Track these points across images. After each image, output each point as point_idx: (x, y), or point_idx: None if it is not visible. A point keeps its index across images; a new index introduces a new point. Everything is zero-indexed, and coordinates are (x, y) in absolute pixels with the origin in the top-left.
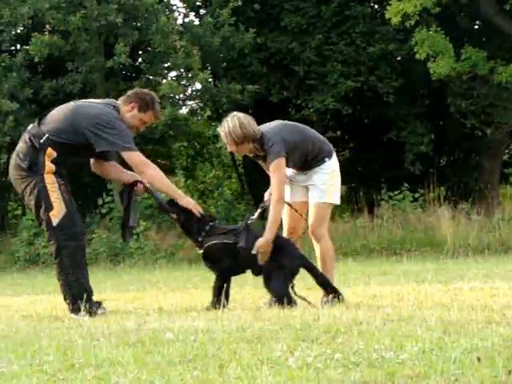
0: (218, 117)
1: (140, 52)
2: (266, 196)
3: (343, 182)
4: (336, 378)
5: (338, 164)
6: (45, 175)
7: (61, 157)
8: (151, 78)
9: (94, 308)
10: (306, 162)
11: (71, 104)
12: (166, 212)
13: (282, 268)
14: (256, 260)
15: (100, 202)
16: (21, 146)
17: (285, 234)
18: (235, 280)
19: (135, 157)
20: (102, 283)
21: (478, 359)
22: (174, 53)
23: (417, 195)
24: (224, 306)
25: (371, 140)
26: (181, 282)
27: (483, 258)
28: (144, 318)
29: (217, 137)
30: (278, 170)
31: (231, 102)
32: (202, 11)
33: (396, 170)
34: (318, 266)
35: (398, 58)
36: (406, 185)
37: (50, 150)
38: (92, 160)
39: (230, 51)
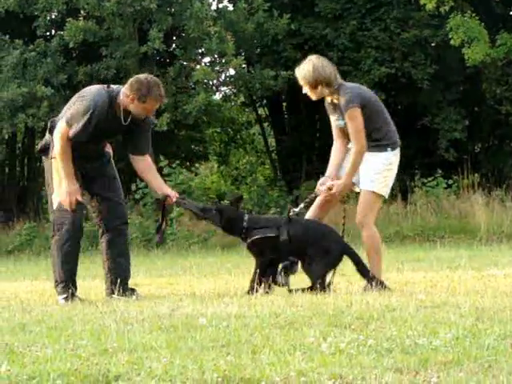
0: (252, 103)
1: (174, 38)
2: (319, 185)
3: None
4: (369, 364)
5: (398, 159)
6: (53, 159)
7: (74, 141)
8: (185, 63)
9: (127, 293)
10: (368, 137)
11: (84, 89)
12: (203, 219)
13: (325, 254)
14: (299, 249)
15: (133, 187)
16: (46, 135)
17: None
18: None
19: (59, 129)
20: (136, 268)
21: None
22: (207, 38)
23: (450, 182)
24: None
25: (405, 126)
26: (214, 268)
27: None
28: (177, 303)
29: (250, 123)
30: (353, 119)
31: (265, 87)
32: None
33: (430, 156)
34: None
35: (433, 44)
36: (440, 171)
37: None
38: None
39: (263, 37)
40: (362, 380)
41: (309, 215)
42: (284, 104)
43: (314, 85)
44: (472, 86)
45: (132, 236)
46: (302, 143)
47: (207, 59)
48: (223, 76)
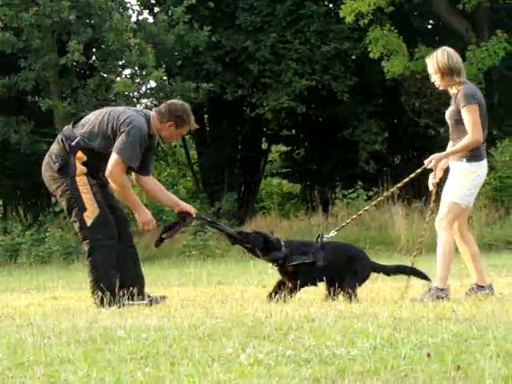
0: None
1: (94, 50)
2: (431, 179)
3: (298, 181)
4: (287, 375)
5: (480, 171)
6: (76, 177)
7: (91, 159)
8: (105, 75)
9: (146, 300)
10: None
11: (105, 109)
12: (240, 244)
13: (355, 274)
14: (331, 272)
15: (53, 200)
16: (54, 146)
17: None
18: (189, 277)
19: (116, 164)
20: (55, 281)
21: (428, 355)
22: (127, 50)
23: (371, 193)
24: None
25: (326, 138)
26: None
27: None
28: (96, 316)
29: None
30: (472, 113)
31: (186, 100)
32: (156, 9)
33: (350, 168)
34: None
35: (353, 57)
36: (360, 183)
37: (80, 153)
38: (134, 173)
39: (184, 49)
40: None
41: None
42: (205, 116)
43: (446, 73)
44: (391, 98)
45: (52, 249)
46: (224, 155)
47: (127, 71)
48: (144, 88)
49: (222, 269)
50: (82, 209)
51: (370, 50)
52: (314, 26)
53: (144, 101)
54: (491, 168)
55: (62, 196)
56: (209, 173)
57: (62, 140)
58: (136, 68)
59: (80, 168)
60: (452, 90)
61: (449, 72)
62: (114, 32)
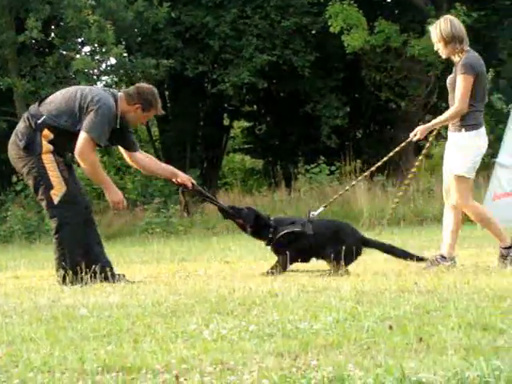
0: None
1: (52, 27)
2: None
3: (260, 157)
4: (250, 349)
5: (479, 139)
6: (42, 155)
7: (58, 138)
8: (64, 53)
9: (116, 279)
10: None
11: (73, 88)
12: (231, 218)
13: (347, 247)
14: (322, 247)
15: (14, 179)
16: (20, 125)
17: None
18: (152, 255)
19: (86, 143)
20: (17, 260)
21: (390, 327)
22: (86, 27)
23: (333, 168)
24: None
25: (287, 114)
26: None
27: (399, 229)
28: (58, 294)
29: None
30: (464, 83)
31: (146, 76)
32: None
33: (312, 143)
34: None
35: (313, 32)
36: (323, 158)
37: (46, 131)
38: (124, 153)
39: (143, 26)
40: (244, 365)
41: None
42: (166, 93)
43: (449, 41)
44: (352, 73)
45: (14, 228)
46: (186, 132)
47: (87, 48)
48: (104, 65)
49: (185, 246)
50: (49, 187)
51: (330, 24)
52: (274, 0)
53: (104, 78)
54: None
55: (29, 174)
56: (171, 149)
57: (27, 118)
58: (95, 45)
59: (46, 146)
60: (455, 58)
61: (451, 40)
62: (72, 9)
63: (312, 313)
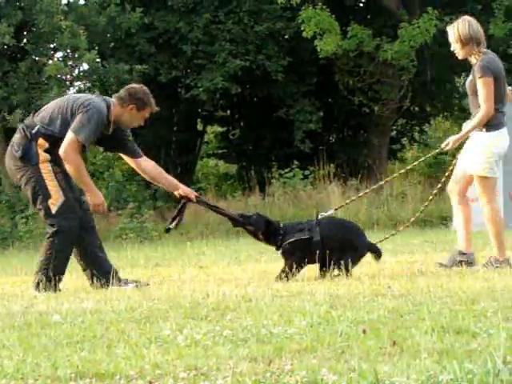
0: None
1: (25, 32)
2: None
3: (234, 161)
4: (224, 355)
5: (499, 139)
6: (40, 165)
7: (53, 147)
8: (37, 58)
9: (122, 284)
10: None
11: (65, 97)
12: (242, 226)
13: (354, 250)
14: (329, 251)
15: None
16: (16, 136)
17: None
18: (126, 260)
19: (71, 143)
20: None
21: (364, 331)
22: (59, 33)
23: (307, 173)
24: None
25: (261, 119)
26: (72, 264)
27: (373, 232)
28: (31, 300)
29: None
30: (485, 86)
31: (119, 82)
32: None
33: (286, 148)
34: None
35: (286, 37)
36: (297, 162)
37: (41, 140)
38: (130, 162)
39: (116, 31)
40: (217, 370)
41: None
42: None
43: (466, 42)
44: (325, 77)
45: None
46: (159, 137)
47: (60, 54)
48: (77, 71)
49: (159, 251)
50: (47, 196)
51: (302, 29)
52: (247, 5)
53: (77, 83)
54: (425, 145)
55: (27, 184)
56: (145, 155)
57: (23, 129)
58: (68, 51)
59: (43, 155)
60: (472, 60)
61: (469, 41)
62: (44, 14)
63: (286, 317)
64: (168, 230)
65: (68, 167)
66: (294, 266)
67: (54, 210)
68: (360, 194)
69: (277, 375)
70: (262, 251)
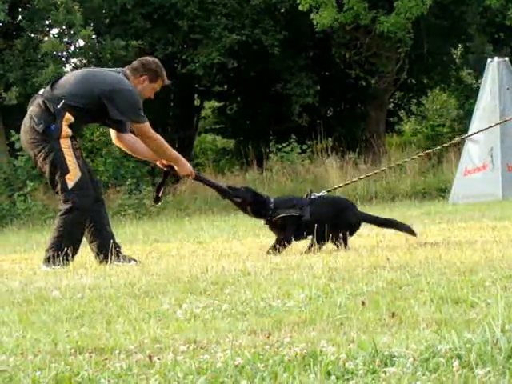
0: None
1: (20, 9)
2: None
3: (231, 136)
4: (224, 328)
5: None
6: (61, 140)
7: (77, 121)
8: (32, 35)
9: (122, 261)
10: None
11: (85, 70)
12: (229, 197)
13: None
14: (319, 228)
15: None
16: (34, 109)
17: None
18: (125, 236)
19: (142, 127)
20: None
21: (363, 303)
22: (54, 9)
23: (305, 147)
24: None
25: (258, 93)
26: None
27: (371, 206)
28: (30, 277)
29: None
30: None
31: (115, 58)
32: None
33: (284, 122)
34: None
35: (282, 10)
36: (294, 137)
37: (67, 115)
38: (112, 133)
39: (112, 7)
40: (217, 343)
41: None
42: None
43: None
44: (322, 51)
45: None
46: (156, 113)
47: (55, 31)
48: (72, 47)
49: (157, 227)
50: (65, 171)
51: (298, 2)
52: None
53: (73, 60)
54: (423, 117)
55: (46, 159)
56: None
57: (44, 103)
58: (63, 27)
59: (66, 131)
60: None
61: None
62: None
63: (285, 290)
64: (157, 201)
65: (155, 149)
66: (285, 241)
67: (70, 185)
68: (361, 177)
69: (276, 347)
70: (260, 226)
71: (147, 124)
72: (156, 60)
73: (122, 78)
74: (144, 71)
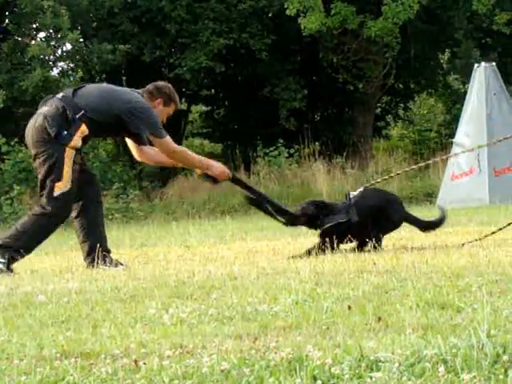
0: (91, 78)
1: (7, 13)
2: None
3: (219, 141)
4: (210, 333)
5: None
6: (67, 148)
7: (91, 134)
8: (19, 39)
9: (109, 265)
10: None
11: (106, 85)
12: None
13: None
14: (363, 230)
15: None
16: (50, 110)
17: None
18: (112, 242)
19: (164, 144)
20: None
21: (349, 307)
22: (41, 13)
23: (292, 151)
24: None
25: (246, 97)
26: (56, 245)
27: None
28: (16, 282)
29: None
30: None
31: (103, 62)
32: None
33: (271, 126)
34: None
35: (270, 15)
36: (282, 141)
37: (83, 127)
38: (134, 150)
39: (99, 10)
40: (203, 348)
41: None
42: (124, 78)
43: None
44: (309, 55)
45: None
46: None
47: (42, 34)
48: (60, 51)
49: (144, 231)
50: (58, 177)
51: (286, 7)
52: None
53: (60, 64)
54: (410, 122)
55: (46, 161)
56: None
57: (63, 108)
58: (51, 31)
59: (76, 141)
60: None
61: None
62: None
63: (271, 295)
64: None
65: (181, 162)
66: (330, 245)
67: (56, 193)
68: (391, 175)
69: (262, 352)
70: (247, 230)
71: (168, 138)
72: (169, 84)
73: (139, 96)
74: (158, 94)
